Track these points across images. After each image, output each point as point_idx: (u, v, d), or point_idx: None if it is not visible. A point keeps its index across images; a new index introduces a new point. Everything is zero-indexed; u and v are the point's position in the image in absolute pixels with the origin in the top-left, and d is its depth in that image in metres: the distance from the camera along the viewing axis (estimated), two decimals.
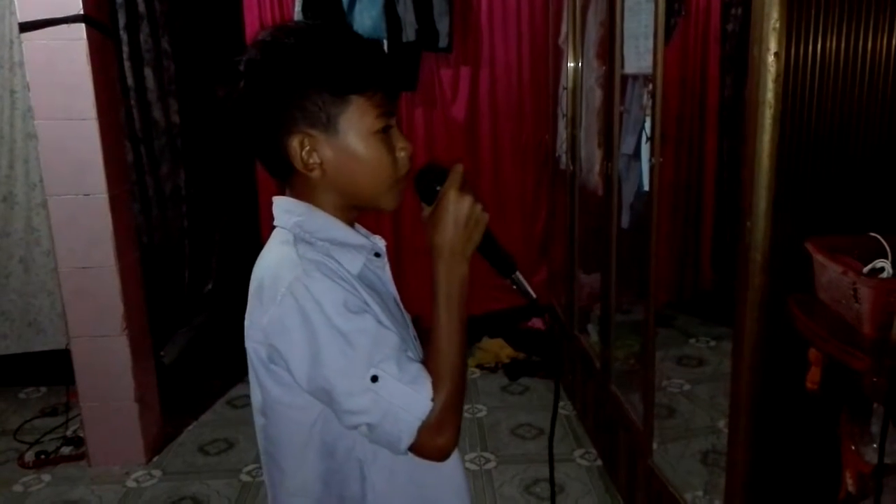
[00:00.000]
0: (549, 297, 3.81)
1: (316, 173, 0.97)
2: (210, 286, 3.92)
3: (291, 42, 0.95)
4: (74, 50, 2.56)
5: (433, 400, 0.91)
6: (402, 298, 1.11)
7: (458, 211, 0.96)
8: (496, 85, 3.83)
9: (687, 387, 3.34)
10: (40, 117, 2.63)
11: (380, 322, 0.94)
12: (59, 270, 2.74)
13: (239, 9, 3.61)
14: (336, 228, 1.00)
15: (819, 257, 1.41)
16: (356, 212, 1.04)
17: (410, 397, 0.90)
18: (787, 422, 1.60)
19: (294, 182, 1.01)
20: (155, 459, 2.93)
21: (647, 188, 2.52)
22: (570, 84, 3.20)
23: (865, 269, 1.32)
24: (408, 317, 1.10)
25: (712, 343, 3.78)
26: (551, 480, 1.23)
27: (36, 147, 2.82)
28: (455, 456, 1.06)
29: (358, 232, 1.05)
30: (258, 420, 1.05)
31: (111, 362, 2.78)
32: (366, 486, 1.01)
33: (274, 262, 0.97)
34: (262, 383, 1.00)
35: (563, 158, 3.39)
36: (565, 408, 3.26)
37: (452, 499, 1.10)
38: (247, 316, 0.99)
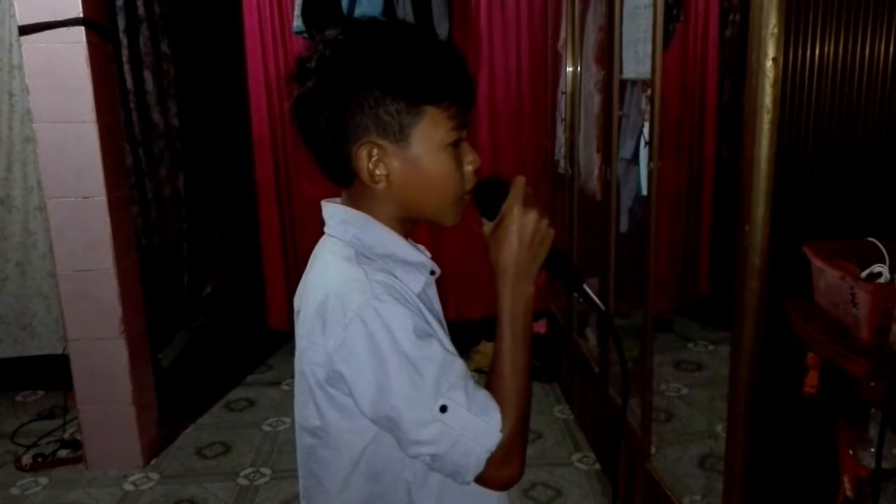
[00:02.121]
0: (547, 302, 3.81)
1: (382, 185, 0.92)
2: (209, 289, 3.92)
3: (368, 43, 0.89)
4: (74, 53, 2.56)
5: (502, 430, 0.87)
6: None
7: (523, 229, 0.91)
8: (495, 89, 3.83)
9: (685, 391, 3.34)
10: (39, 120, 2.63)
11: (443, 346, 0.90)
12: (57, 273, 2.73)
13: (238, 12, 3.61)
14: (396, 244, 0.95)
15: (817, 262, 1.42)
16: (412, 225, 0.99)
17: (480, 428, 0.86)
18: (785, 426, 1.60)
19: (353, 189, 0.95)
20: (152, 462, 2.92)
21: (645, 193, 2.53)
22: (568, 88, 3.21)
23: (863, 274, 1.33)
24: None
25: (710, 347, 3.78)
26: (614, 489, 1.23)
27: (34, 150, 2.82)
28: None
29: (414, 246, 1.00)
30: (305, 440, 1.00)
31: (109, 365, 2.78)
32: None
33: (339, 280, 0.90)
34: (319, 405, 0.94)
35: (562, 163, 3.40)
36: (563, 412, 3.26)
37: None
38: (303, 335, 0.94)
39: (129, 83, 3.46)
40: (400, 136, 0.89)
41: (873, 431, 1.37)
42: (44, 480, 2.82)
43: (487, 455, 0.87)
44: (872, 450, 1.35)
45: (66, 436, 3.04)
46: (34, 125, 2.65)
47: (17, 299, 3.39)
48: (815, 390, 1.45)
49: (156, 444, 2.99)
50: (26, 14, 2.54)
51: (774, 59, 1.42)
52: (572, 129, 3.20)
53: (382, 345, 0.85)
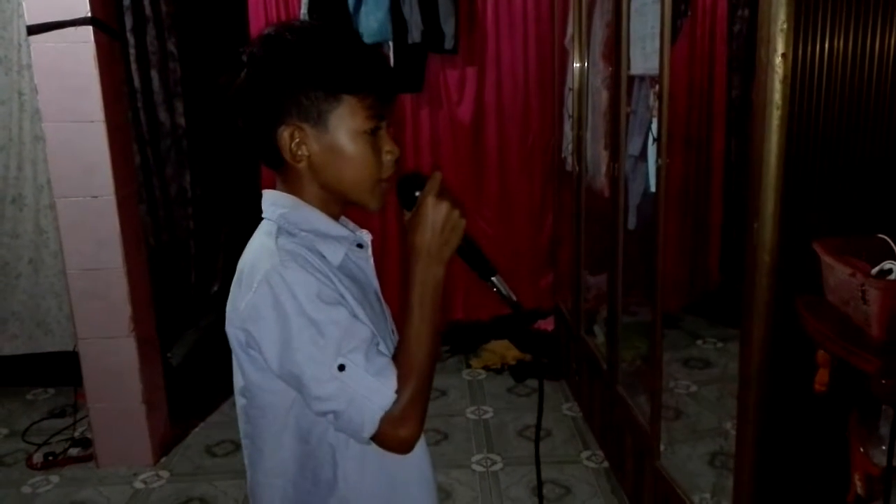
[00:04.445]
0: (555, 299, 3.81)
1: (303, 165, 1.01)
2: (216, 287, 3.93)
3: (292, 39, 0.99)
4: (82, 52, 2.57)
5: (397, 392, 0.95)
6: (389, 295, 1.14)
7: (434, 216, 1.00)
8: (502, 86, 3.82)
9: (694, 388, 3.33)
10: (48, 119, 2.64)
11: (354, 315, 0.98)
12: (67, 272, 2.75)
13: (244, 11, 3.62)
14: (319, 220, 1.04)
15: (827, 259, 1.41)
16: (341, 206, 1.08)
17: (374, 387, 0.94)
18: (796, 424, 1.59)
19: (284, 173, 1.05)
20: (162, 460, 2.93)
21: (653, 189, 2.52)
22: (575, 85, 3.20)
23: (874, 271, 1.32)
24: (387, 310, 1.15)
25: (719, 344, 3.77)
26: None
27: (44, 149, 2.83)
28: (422, 447, 1.11)
29: (344, 225, 1.09)
30: (239, 401, 1.08)
31: (119, 363, 2.79)
32: (338, 471, 1.05)
33: (254, 251, 1.02)
34: (243, 367, 1.03)
35: (570, 160, 3.39)
36: (572, 409, 3.26)
37: (419, 487, 1.15)
38: (229, 302, 1.03)
39: (136, 82, 3.47)
40: (318, 120, 0.99)
41: (884, 429, 1.37)
42: (55, 479, 2.84)
43: (381, 413, 0.94)
44: (884, 447, 1.34)
45: (77, 434, 3.06)
46: (43, 124, 2.66)
47: (31, 297, 3.41)
48: (826, 388, 1.44)
49: (166, 443, 3.01)
50: (35, 14, 2.55)
51: (784, 55, 1.41)
52: (580, 125, 3.19)
53: (286, 305, 0.94)
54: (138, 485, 2.78)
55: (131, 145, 3.10)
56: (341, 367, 0.93)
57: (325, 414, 0.96)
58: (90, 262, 2.71)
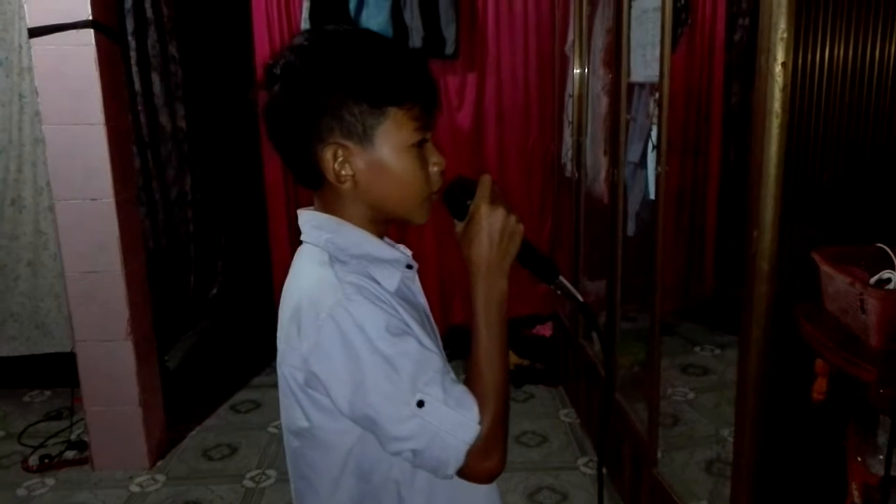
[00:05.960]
0: (553, 305, 3.80)
1: (347, 185, 0.94)
2: (215, 291, 3.93)
3: (331, 49, 0.91)
4: (83, 55, 2.58)
5: (480, 423, 0.88)
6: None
7: (491, 225, 0.94)
8: (502, 92, 3.82)
9: (692, 395, 3.33)
10: (48, 122, 2.64)
11: (421, 343, 0.91)
12: (65, 274, 2.74)
13: (247, 15, 3.62)
14: (370, 244, 0.97)
15: (826, 268, 1.41)
16: (385, 225, 1.01)
17: (457, 421, 0.87)
18: (793, 432, 1.59)
19: (323, 192, 0.97)
20: (158, 464, 2.93)
21: (652, 196, 2.52)
22: (575, 91, 3.20)
23: (872, 280, 1.32)
24: (436, 328, 1.08)
25: (717, 351, 3.77)
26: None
27: (44, 151, 2.83)
28: None
29: (389, 244, 1.03)
30: (292, 442, 1.01)
31: (116, 366, 2.79)
32: None
33: (311, 284, 0.93)
34: (303, 407, 0.95)
35: (569, 166, 3.39)
36: (569, 416, 3.25)
37: None
38: (282, 339, 0.96)
39: (137, 85, 3.47)
40: (364, 137, 0.91)
41: (882, 439, 1.37)
42: (50, 481, 2.83)
43: (466, 448, 0.87)
44: (881, 457, 1.34)
45: (73, 437, 3.05)
46: (43, 127, 2.66)
47: (30, 298, 3.40)
48: (824, 397, 1.44)
49: (162, 446, 3.00)
50: (36, 16, 2.56)
51: (784, 64, 1.41)
52: (579, 131, 3.19)
53: (356, 343, 0.87)
54: (134, 488, 2.77)
55: (131, 148, 3.10)
56: (420, 403, 0.86)
57: (401, 453, 0.89)
58: (89, 264, 2.71)
